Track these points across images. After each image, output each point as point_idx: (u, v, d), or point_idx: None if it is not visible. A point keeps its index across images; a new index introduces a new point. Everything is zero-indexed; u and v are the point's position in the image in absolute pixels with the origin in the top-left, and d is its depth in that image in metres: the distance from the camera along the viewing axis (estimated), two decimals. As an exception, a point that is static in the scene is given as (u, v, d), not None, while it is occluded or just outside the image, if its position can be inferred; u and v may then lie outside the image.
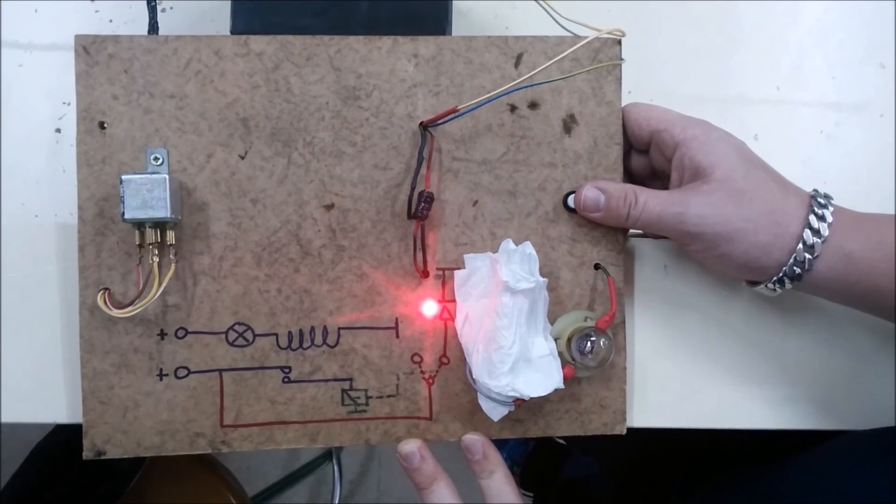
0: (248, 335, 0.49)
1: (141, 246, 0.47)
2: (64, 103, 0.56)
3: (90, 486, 0.80)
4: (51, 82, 0.56)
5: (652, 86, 0.57)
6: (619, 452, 0.87)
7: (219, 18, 0.58)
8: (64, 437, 0.82)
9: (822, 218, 0.45)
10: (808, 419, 0.54)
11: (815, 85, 0.61)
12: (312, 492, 1.28)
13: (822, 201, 0.46)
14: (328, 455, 1.15)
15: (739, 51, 0.61)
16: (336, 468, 1.12)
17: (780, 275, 0.46)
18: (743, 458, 0.63)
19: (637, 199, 0.47)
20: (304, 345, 0.49)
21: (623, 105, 0.51)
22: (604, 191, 0.49)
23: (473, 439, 0.49)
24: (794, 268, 0.46)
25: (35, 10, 0.57)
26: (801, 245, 0.45)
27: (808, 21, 0.61)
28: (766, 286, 0.48)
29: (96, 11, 0.58)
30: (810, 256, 0.45)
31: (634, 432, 0.53)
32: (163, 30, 0.51)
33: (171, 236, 0.47)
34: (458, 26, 0.54)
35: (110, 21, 0.58)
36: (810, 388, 0.55)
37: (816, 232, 0.45)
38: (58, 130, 0.56)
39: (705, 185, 0.46)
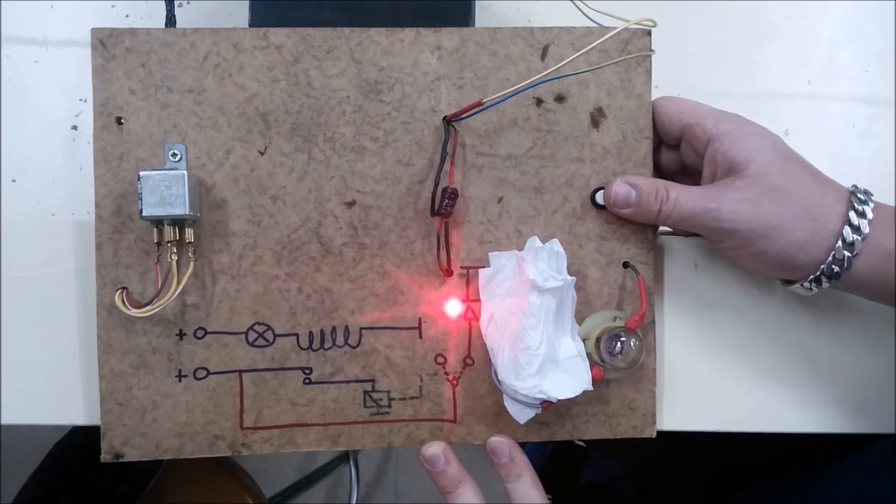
0: (269, 335, 0.48)
1: (159, 244, 0.46)
2: (80, 100, 0.56)
3: (107, 488, 0.79)
4: (67, 79, 0.56)
5: (679, 81, 0.56)
6: (640, 456, 0.85)
7: (236, 14, 0.57)
8: (81, 440, 0.81)
9: (862, 214, 0.44)
10: (842, 422, 0.53)
11: (846, 79, 0.60)
12: (329, 494, 1.27)
13: (862, 197, 0.45)
14: (345, 457, 1.14)
15: (769, 45, 0.60)
16: (353, 470, 1.11)
17: (818, 273, 0.45)
18: (775, 464, 0.61)
19: (668, 194, 0.46)
20: (326, 345, 0.48)
21: (653, 99, 0.50)
22: (634, 186, 0.47)
23: (500, 441, 0.48)
24: (833, 266, 0.44)
25: (51, 7, 0.57)
26: (840, 243, 0.44)
27: (839, 14, 0.60)
28: (801, 285, 0.47)
29: (112, 6, 0.57)
30: (850, 254, 0.44)
31: (661, 436, 0.51)
32: (179, 26, 0.50)
33: (189, 234, 0.46)
34: (480, 21, 0.53)
35: (126, 16, 0.58)
36: (845, 390, 0.53)
37: (857, 229, 0.44)
38: (74, 128, 0.55)
39: (739, 180, 0.45)
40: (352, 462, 1.12)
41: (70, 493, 0.79)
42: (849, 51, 0.59)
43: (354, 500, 1.11)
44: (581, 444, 0.99)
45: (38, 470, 0.80)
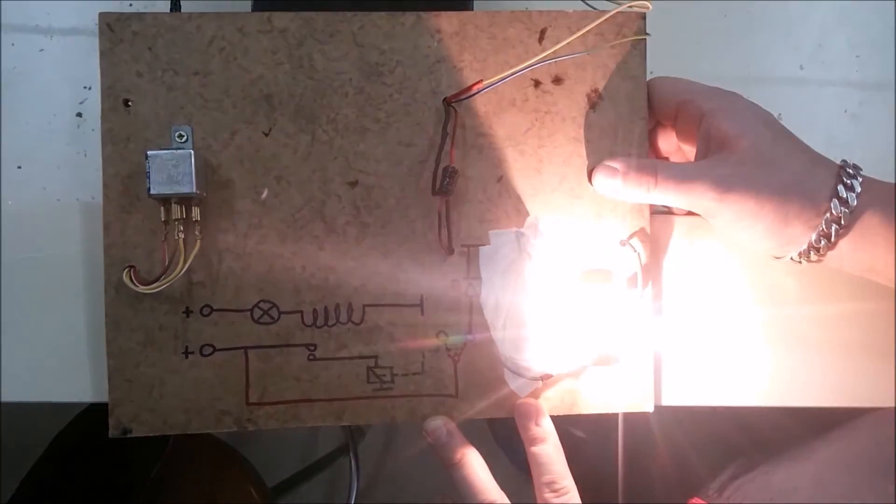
0: (274, 313, 0.49)
1: (166, 222, 0.47)
2: (85, 88, 0.56)
3: (110, 475, 0.80)
4: (71, 67, 0.56)
5: (673, 66, 0.56)
6: (638, 439, 0.86)
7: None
8: (83, 428, 0.82)
9: (851, 188, 0.45)
10: (839, 395, 0.53)
11: (838, 64, 0.61)
12: (330, 485, 1.28)
13: (851, 171, 0.46)
14: (345, 448, 1.15)
15: (762, 30, 0.61)
16: (353, 461, 1.12)
17: (807, 246, 0.46)
18: (774, 437, 0.62)
19: (657, 174, 0.47)
20: (330, 322, 0.49)
21: (648, 79, 0.51)
22: (621, 167, 0.48)
23: (527, 403, 0.49)
24: (822, 239, 0.45)
25: (55, -5, 0.57)
26: (828, 216, 0.45)
27: (831, -1, 0.61)
28: (791, 258, 0.47)
29: (116, -5, 0.58)
30: (838, 227, 0.45)
31: (656, 415, 0.52)
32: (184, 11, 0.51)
33: (196, 213, 0.47)
34: (479, 6, 0.54)
35: (130, 5, 0.58)
36: (838, 363, 0.54)
37: (845, 202, 0.44)
38: (79, 115, 0.56)
39: (732, 155, 0.46)
40: (352, 453, 1.13)
41: (73, 481, 0.79)
42: (841, 36, 0.60)
43: (355, 492, 1.11)
44: (580, 434, 1.00)
45: (40, 459, 0.80)
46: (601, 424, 0.52)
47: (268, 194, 0.49)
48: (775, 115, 0.55)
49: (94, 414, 0.79)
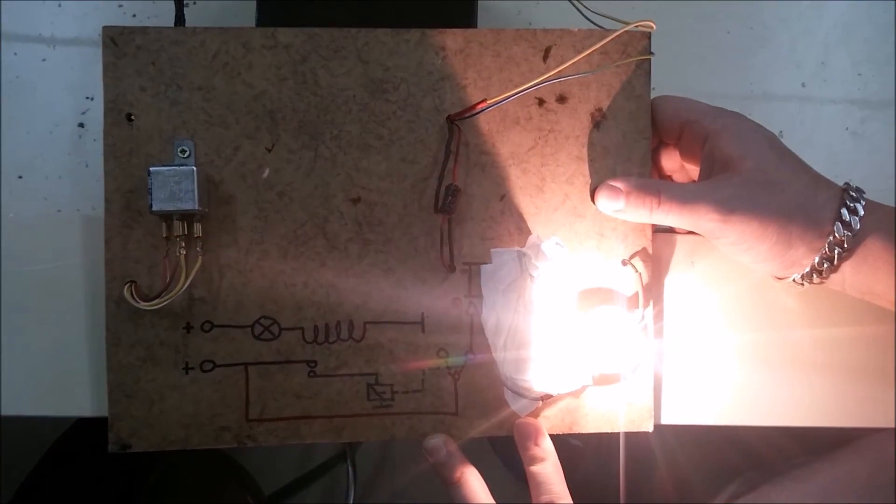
0: (274, 329, 0.49)
1: (168, 238, 0.47)
2: (87, 98, 0.56)
3: (108, 483, 0.80)
4: (74, 77, 0.56)
5: (675, 83, 0.57)
6: (638, 457, 0.86)
7: (242, 14, 0.58)
8: (81, 435, 0.81)
9: (854, 211, 0.45)
10: (840, 416, 0.53)
11: (840, 82, 0.61)
12: (326, 493, 1.27)
13: (854, 194, 0.46)
14: (342, 456, 1.15)
15: (764, 48, 0.61)
16: (350, 470, 1.11)
17: (809, 269, 0.46)
18: (773, 457, 0.62)
19: (660, 195, 0.47)
20: (330, 339, 0.49)
21: (652, 98, 0.51)
22: (624, 187, 0.48)
23: (527, 423, 0.49)
24: (825, 262, 0.45)
25: (59, 5, 0.57)
26: (831, 239, 0.45)
27: (834, 17, 0.61)
28: (793, 280, 0.48)
29: (119, 6, 0.58)
30: (841, 250, 0.45)
31: (656, 433, 0.52)
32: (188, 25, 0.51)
33: (198, 229, 0.47)
34: (482, 22, 0.54)
35: (133, 16, 0.58)
36: (839, 384, 0.54)
37: (848, 226, 0.44)
38: (81, 125, 0.56)
39: (736, 176, 0.46)
40: (349, 461, 1.12)
41: (70, 488, 0.79)
42: (843, 54, 0.61)
43: (352, 499, 1.11)
44: (577, 443, 0.99)
45: (39, 464, 0.80)
46: (600, 434, 0.51)
47: (268, 173, 0.48)
48: (777, 132, 0.56)
49: (92, 421, 0.79)
